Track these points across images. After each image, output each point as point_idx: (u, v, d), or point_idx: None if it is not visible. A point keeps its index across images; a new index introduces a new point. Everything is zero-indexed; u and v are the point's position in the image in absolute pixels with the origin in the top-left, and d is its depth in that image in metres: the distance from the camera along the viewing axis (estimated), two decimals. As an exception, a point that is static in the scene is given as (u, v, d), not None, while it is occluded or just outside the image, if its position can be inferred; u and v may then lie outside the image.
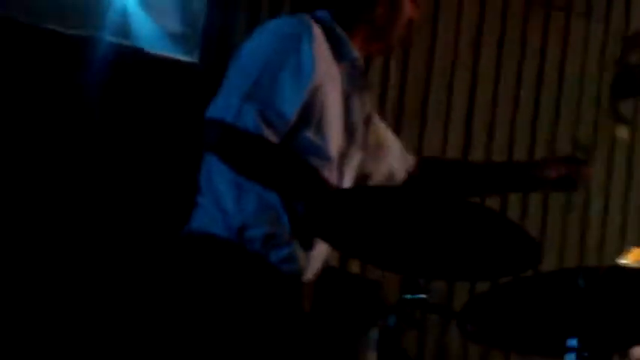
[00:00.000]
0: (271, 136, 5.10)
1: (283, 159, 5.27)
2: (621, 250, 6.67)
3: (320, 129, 5.41)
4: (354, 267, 6.76)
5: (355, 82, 5.76)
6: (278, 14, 7.33)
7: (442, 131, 8.05)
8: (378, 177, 6.06)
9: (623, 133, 6.72)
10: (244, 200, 5.35)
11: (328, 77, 5.47)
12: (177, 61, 7.11)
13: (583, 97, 8.64)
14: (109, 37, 6.94)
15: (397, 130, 6.92)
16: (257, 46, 5.33)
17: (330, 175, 5.41)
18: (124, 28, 6.99)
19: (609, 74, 7.81)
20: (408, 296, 5.13)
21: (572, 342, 5.04)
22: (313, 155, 5.33)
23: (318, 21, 5.50)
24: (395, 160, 6.20)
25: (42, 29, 6.88)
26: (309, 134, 5.35)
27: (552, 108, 8.50)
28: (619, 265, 5.89)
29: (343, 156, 5.64)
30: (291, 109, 5.15)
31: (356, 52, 5.69)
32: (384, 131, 6.30)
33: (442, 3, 8.29)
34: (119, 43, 6.95)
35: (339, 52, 5.61)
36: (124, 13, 6.85)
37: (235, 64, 5.28)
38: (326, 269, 5.77)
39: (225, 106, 5.09)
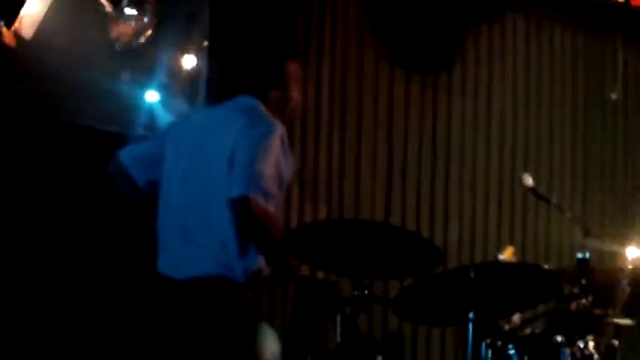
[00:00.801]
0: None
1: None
2: (498, 249, 6.99)
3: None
4: (320, 275, 6.75)
5: None
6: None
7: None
8: None
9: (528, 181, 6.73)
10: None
11: None
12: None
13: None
14: (139, 131, 6.76)
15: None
16: (260, 139, 4.84)
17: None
18: (151, 124, 6.82)
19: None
20: (357, 292, 5.51)
21: (471, 314, 5.25)
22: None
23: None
24: None
25: (85, 127, 6.71)
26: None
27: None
28: (499, 261, 6.19)
29: None
30: (284, 185, 5.01)
31: None
32: None
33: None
34: (147, 135, 6.57)
35: None
36: (151, 113, 6.80)
37: (248, 149, 4.79)
38: (301, 277, 5.92)
39: (262, 191, 4.70)
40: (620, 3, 9.34)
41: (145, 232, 5.11)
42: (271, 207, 4.73)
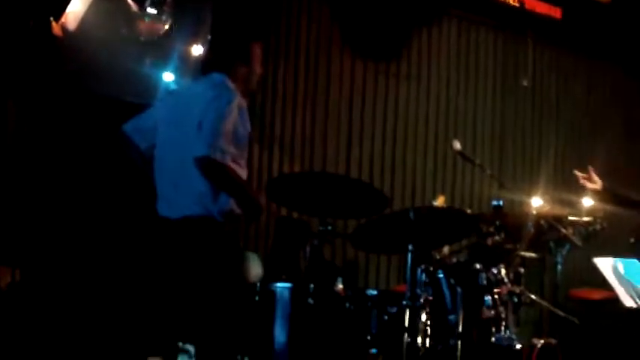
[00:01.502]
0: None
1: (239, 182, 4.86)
2: (433, 197, 7.01)
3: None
4: (295, 215, 6.69)
5: None
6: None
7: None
8: None
9: (457, 145, 6.71)
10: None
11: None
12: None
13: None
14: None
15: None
16: (221, 106, 4.80)
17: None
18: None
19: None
20: (323, 228, 5.52)
21: (410, 246, 5.26)
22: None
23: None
24: None
25: (116, 99, 6.57)
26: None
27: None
28: (433, 206, 6.19)
29: None
30: (243, 143, 4.91)
31: None
32: None
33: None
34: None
35: None
36: (167, 88, 6.64)
37: (210, 116, 4.74)
38: (280, 217, 5.92)
39: (221, 151, 4.64)
40: (535, 12, 9.36)
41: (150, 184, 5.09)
42: (229, 161, 4.68)
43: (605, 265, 8.29)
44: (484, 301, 5.96)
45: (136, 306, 6.20)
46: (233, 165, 4.74)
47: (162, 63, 6.84)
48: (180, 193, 4.85)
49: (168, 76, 6.80)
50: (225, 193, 4.80)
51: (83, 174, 6.63)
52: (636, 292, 7.14)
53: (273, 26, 7.79)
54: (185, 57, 6.95)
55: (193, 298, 4.75)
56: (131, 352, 6.06)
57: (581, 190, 6.80)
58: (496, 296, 6.02)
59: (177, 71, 6.85)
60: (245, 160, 4.98)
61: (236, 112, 4.81)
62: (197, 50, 6.95)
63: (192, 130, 4.71)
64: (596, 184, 6.38)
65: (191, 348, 4.78)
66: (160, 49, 6.80)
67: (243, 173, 4.91)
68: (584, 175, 6.48)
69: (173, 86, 6.65)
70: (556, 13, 9.47)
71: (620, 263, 7.36)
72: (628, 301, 7.03)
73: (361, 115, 8.36)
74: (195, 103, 4.83)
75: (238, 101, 4.85)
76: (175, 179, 4.88)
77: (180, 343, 4.83)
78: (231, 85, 4.97)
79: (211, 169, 4.66)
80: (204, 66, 5.43)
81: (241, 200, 4.84)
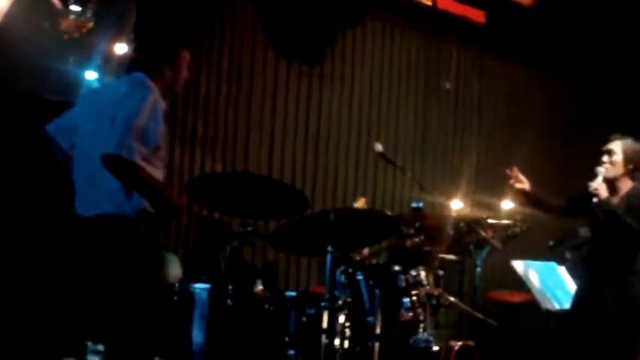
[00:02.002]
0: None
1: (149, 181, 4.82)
2: (354, 199, 7.05)
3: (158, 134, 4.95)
4: (216, 215, 6.65)
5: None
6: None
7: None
8: None
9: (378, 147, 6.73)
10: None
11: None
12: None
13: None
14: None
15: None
16: (133, 103, 4.80)
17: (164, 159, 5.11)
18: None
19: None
20: (242, 229, 5.52)
21: (329, 248, 5.26)
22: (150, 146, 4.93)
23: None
24: None
25: (37, 96, 6.54)
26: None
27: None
28: (353, 207, 6.22)
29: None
30: (151, 143, 4.81)
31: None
32: None
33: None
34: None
35: None
36: (90, 87, 6.59)
37: (123, 113, 4.75)
38: (201, 217, 5.92)
39: (128, 148, 4.61)
40: (458, 15, 9.45)
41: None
42: (137, 159, 4.64)
43: (523, 268, 8.44)
44: (402, 303, 6.01)
45: (51, 306, 6.14)
46: (144, 164, 4.70)
47: (85, 61, 6.78)
48: (95, 191, 4.82)
49: (90, 74, 6.76)
50: (138, 192, 4.77)
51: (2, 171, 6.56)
52: (553, 295, 7.29)
53: (197, 25, 7.77)
54: (108, 55, 6.92)
55: (107, 299, 4.71)
56: (46, 353, 5.99)
57: (505, 192, 6.89)
58: (414, 298, 6.07)
59: (100, 69, 6.83)
60: (162, 161, 4.96)
61: (149, 109, 4.78)
62: (120, 49, 6.92)
63: (107, 126, 4.68)
64: (525, 184, 6.47)
65: (102, 348, 4.77)
66: (83, 46, 6.72)
67: (158, 173, 4.86)
68: (515, 174, 6.57)
69: (96, 84, 6.60)
70: (479, 17, 9.56)
71: (538, 266, 7.52)
72: (545, 304, 7.17)
73: (284, 115, 8.38)
74: (112, 98, 4.82)
75: (154, 98, 4.83)
76: (90, 177, 4.83)
77: (90, 343, 4.81)
78: (151, 84, 4.94)
79: (118, 166, 4.64)
80: (130, 65, 5.44)
81: (153, 199, 4.82)
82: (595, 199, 6.13)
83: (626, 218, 6.14)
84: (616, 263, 6.27)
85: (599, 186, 6.17)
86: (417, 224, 6.52)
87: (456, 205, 6.99)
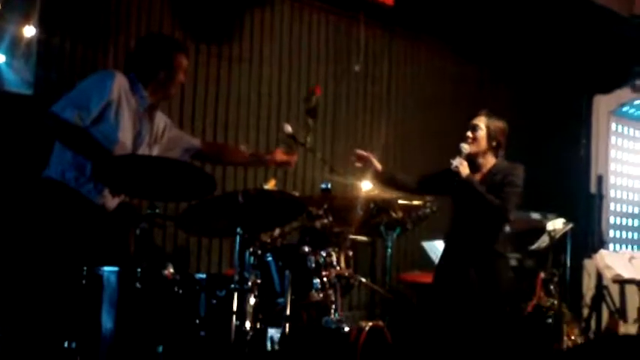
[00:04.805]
0: (80, 123, 5.56)
1: (83, 138, 5.57)
2: (264, 181, 7.09)
3: (114, 126, 5.72)
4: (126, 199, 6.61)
5: (145, 111, 6.00)
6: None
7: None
8: (175, 155, 6.36)
9: (288, 129, 6.78)
10: (65, 156, 5.71)
11: (124, 101, 5.79)
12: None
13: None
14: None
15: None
16: (85, 81, 5.85)
17: (124, 151, 5.76)
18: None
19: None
20: (151, 211, 5.55)
21: (239, 229, 5.34)
22: (107, 138, 5.69)
23: (128, 77, 5.91)
24: (182, 146, 6.52)
25: None
26: (106, 127, 5.69)
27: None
28: (261, 188, 6.24)
29: (134, 146, 5.91)
30: (92, 110, 5.61)
31: (146, 95, 5.97)
32: (175, 133, 6.51)
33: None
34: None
35: (137, 94, 5.92)
36: None
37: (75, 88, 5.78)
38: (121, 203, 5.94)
39: (61, 106, 5.57)
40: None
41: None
42: (67, 115, 5.55)
43: (434, 248, 8.59)
44: (313, 284, 6.11)
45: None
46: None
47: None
48: (53, 154, 5.76)
49: (-1, 58, 6.76)
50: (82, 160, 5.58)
51: None
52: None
53: (102, 6, 7.69)
54: (17, 38, 6.89)
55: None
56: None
57: (360, 173, 7.02)
58: (325, 279, 6.16)
59: (8, 53, 6.82)
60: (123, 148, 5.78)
61: (96, 86, 5.74)
62: (29, 31, 6.91)
63: None
64: (374, 164, 6.80)
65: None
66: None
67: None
68: (359, 154, 6.76)
69: (4, 67, 6.68)
70: (388, -1, 9.62)
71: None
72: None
73: (193, 98, 8.33)
74: None
75: (119, 85, 5.76)
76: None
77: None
78: (135, 81, 5.87)
79: (46, 118, 5.56)
80: (126, 66, 6.16)
81: (78, 149, 5.59)
82: (457, 177, 6.32)
83: (487, 196, 6.29)
84: (478, 242, 6.43)
85: (460, 163, 6.30)
86: (326, 205, 6.59)
87: (366, 185, 7.05)
